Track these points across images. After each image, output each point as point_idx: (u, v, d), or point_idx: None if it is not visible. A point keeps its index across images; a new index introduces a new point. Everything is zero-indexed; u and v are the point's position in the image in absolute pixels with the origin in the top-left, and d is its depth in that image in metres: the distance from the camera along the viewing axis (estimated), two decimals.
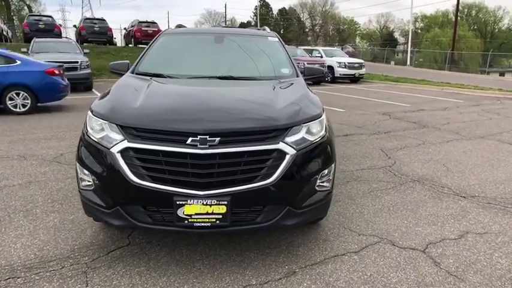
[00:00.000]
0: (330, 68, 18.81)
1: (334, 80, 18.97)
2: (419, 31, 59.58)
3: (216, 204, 2.43)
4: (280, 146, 2.54)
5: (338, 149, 6.06)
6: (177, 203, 2.42)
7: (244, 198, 2.50)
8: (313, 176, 2.73)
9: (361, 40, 71.85)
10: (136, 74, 3.72)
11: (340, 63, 18.99)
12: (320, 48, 21.24)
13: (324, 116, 2.92)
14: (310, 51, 20.72)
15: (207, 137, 2.44)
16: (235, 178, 2.48)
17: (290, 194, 2.64)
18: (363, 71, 19.64)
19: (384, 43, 52.89)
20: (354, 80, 19.42)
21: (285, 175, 2.54)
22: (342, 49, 32.24)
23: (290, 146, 2.57)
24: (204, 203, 2.43)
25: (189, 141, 2.44)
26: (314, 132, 2.75)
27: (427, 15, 61.71)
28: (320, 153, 2.78)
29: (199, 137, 2.43)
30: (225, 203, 2.43)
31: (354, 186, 4.47)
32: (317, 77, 4.20)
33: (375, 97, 13.32)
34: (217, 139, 2.45)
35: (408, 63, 33.15)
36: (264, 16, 66.58)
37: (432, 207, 3.92)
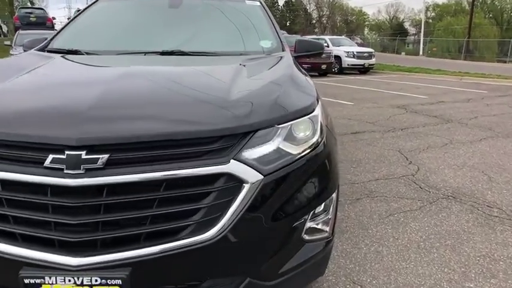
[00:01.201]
0: (337, 58, 17.45)
1: (342, 71, 17.61)
2: (430, 21, 57.50)
3: (101, 286, 1.25)
4: (232, 167, 1.34)
5: (345, 151, 4.83)
6: (27, 282, 1.24)
7: (160, 270, 1.31)
8: (297, 219, 1.54)
9: (369, 31, 69.84)
10: (48, 50, 2.55)
11: (348, 52, 17.62)
12: (326, 37, 19.82)
13: (318, 110, 1.71)
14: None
15: (83, 152, 1.25)
16: (141, 232, 1.29)
17: (252, 256, 1.45)
18: (372, 61, 18.25)
19: (393, 33, 51.02)
20: (363, 70, 18.04)
21: (241, 222, 1.35)
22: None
23: (251, 166, 1.38)
24: (78, 282, 1.24)
25: (48, 160, 1.25)
26: (299, 138, 1.55)
27: (439, 4, 59.63)
28: (311, 176, 1.58)
29: (67, 152, 1.25)
30: (119, 281, 1.25)
31: (367, 206, 3.25)
32: (314, 53, 2.97)
33: (387, 88, 11.99)
34: (104, 157, 1.26)
35: (421, 52, 31.55)
36: (269, 8, 65.01)
37: (482, 241, 2.69)
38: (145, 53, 2.37)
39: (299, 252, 1.59)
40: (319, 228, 1.68)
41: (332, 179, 1.70)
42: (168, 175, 1.28)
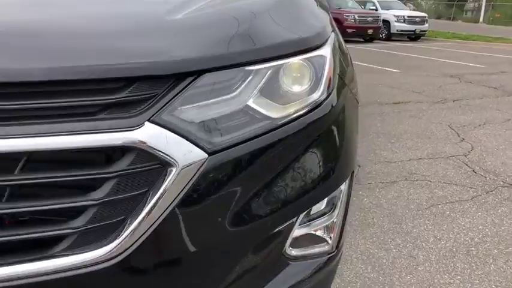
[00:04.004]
0: (386, 22, 16.01)
1: (390, 37, 16.20)
2: None
3: None
4: (146, 136, 0.75)
5: (384, 123, 4.11)
6: None
7: None
8: (276, 224, 0.96)
9: None
10: None
11: (398, 17, 16.12)
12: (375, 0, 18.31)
13: (327, 50, 1.06)
14: (363, 3, 17.90)
15: None
16: None
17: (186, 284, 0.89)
18: (425, 26, 16.63)
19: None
20: (414, 37, 16.52)
21: (165, 232, 0.79)
22: None
23: (186, 136, 0.79)
24: None
25: None
26: (288, 92, 0.94)
27: None
28: (303, 156, 0.98)
29: None
30: None
31: (404, 192, 2.59)
32: None
33: (440, 56, 10.77)
34: None
35: (481, 19, 28.74)
36: None
37: None
38: None
39: (279, 277, 1.01)
40: (316, 237, 1.09)
41: (342, 162, 1.08)
42: (30, 145, 0.72)
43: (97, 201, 0.74)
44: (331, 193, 1.07)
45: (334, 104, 1.06)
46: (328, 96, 1.04)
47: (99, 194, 0.74)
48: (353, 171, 1.15)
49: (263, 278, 0.99)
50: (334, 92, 1.07)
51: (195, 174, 0.80)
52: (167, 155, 0.77)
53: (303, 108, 0.97)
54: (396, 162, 3.08)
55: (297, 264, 1.07)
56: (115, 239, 0.76)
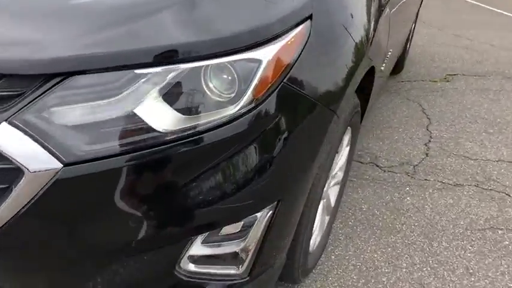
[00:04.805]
0: None
1: None
2: None
3: None
4: None
5: (493, 103, 3.34)
6: None
7: None
8: (154, 244, 0.88)
9: None
10: None
11: None
12: None
13: (279, 45, 0.86)
14: None
15: None
16: None
17: None
18: None
19: None
20: None
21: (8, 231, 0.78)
22: None
23: (42, 141, 0.73)
24: None
25: None
26: (201, 103, 0.82)
27: None
28: (200, 177, 0.83)
29: None
30: None
31: (463, 201, 2.15)
32: None
33: None
34: None
35: None
36: None
37: None
38: None
39: None
40: (224, 259, 0.97)
41: (257, 190, 0.89)
42: None
43: None
44: (237, 221, 0.91)
45: (262, 121, 0.86)
46: (252, 110, 0.84)
47: None
48: (279, 201, 0.94)
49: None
50: (269, 105, 0.86)
51: (47, 183, 0.74)
52: (17, 160, 0.72)
53: (210, 122, 0.81)
54: (477, 160, 2.55)
55: (198, 281, 0.98)
56: None
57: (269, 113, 0.85)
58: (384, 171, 2.37)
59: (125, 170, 0.77)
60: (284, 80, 0.87)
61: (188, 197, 0.83)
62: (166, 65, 0.77)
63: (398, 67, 3.61)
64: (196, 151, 0.80)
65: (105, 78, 0.75)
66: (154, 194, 0.82)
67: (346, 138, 1.52)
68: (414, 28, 4.09)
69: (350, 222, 1.95)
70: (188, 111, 0.79)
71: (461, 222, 2.00)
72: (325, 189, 1.43)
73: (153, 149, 0.77)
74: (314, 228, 1.45)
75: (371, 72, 1.47)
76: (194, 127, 0.79)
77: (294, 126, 0.91)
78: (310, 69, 0.95)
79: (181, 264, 0.93)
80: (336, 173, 1.59)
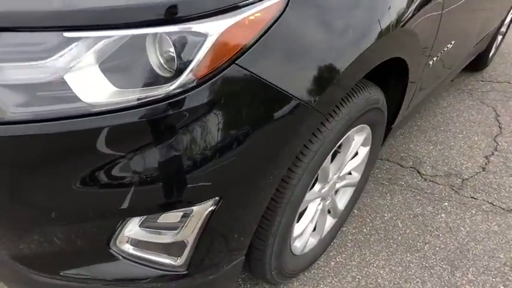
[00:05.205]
0: None
1: None
2: None
3: None
4: None
5: None
6: None
7: None
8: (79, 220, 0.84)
9: None
10: None
11: None
12: None
13: (234, 19, 0.73)
14: None
15: None
16: None
17: None
18: None
19: None
20: None
21: None
22: None
23: None
24: None
25: None
26: (137, 76, 0.74)
27: None
28: (134, 159, 0.77)
29: None
30: None
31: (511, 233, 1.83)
32: None
33: None
34: None
35: None
36: None
37: None
38: None
39: (103, 266, 0.90)
40: (162, 247, 0.90)
41: (190, 180, 0.78)
42: None
43: None
44: (170, 211, 0.83)
45: (200, 104, 0.75)
46: (189, 91, 0.73)
47: None
48: (220, 197, 0.82)
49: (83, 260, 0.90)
50: (213, 88, 0.75)
51: None
52: None
53: (144, 99, 0.73)
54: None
55: (133, 264, 0.92)
56: None
57: (211, 96, 0.73)
58: (425, 179, 2.09)
59: (48, 137, 0.72)
60: (237, 62, 0.74)
61: (110, 177, 0.76)
62: (98, 30, 0.68)
63: (479, 64, 3.14)
64: (123, 128, 0.72)
65: (35, 39, 0.69)
66: (75, 168, 0.75)
67: (360, 138, 1.33)
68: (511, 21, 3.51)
69: (365, 230, 1.75)
70: (124, 83, 0.71)
71: (501, 256, 1.70)
72: (320, 190, 1.27)
73: (77, 119, 0.70)
74: (302, 231, 1.30)
75: (401, 65, 1.24)
76: (126, 101, 0.71)
77: (245, 116, 0.77)
78: (281, 51, 0.79)
79: (118, 244, 0.88)
80: (345, 175, 1.41)
